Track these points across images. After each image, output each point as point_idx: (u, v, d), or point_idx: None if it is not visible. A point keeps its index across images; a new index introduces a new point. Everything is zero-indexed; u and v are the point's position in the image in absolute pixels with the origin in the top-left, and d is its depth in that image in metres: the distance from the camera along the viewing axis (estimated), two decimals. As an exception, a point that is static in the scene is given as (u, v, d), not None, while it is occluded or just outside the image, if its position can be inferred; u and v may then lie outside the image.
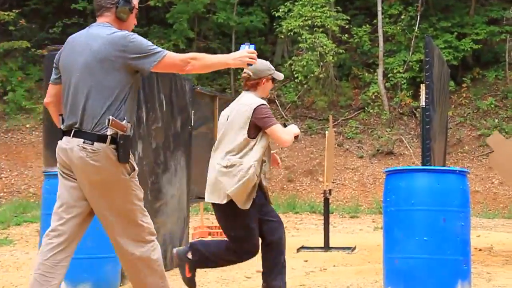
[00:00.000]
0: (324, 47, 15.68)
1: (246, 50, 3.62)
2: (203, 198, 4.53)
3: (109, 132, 3.31)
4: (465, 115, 16.33)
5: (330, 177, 8.20)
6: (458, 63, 16.60)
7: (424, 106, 6.26)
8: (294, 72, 16.11)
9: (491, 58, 17.63)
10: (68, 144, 3.38)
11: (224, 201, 4.17)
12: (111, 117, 3.31)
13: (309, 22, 15.90)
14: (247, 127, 4.20)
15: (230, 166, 4.17)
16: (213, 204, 4.29)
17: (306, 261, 6.87)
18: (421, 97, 6.36)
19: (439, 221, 4.59)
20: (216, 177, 4.23)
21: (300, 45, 16.14)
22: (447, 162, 10.67)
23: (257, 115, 4.20)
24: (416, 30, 16.81)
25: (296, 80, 16.41)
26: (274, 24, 17.22)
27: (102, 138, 3.32)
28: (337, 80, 17.27)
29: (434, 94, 6.44)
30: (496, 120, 15.81)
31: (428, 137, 6.24)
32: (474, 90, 16.80)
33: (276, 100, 17.08)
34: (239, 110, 4.27)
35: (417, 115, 16.07)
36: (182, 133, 6.55)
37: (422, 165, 6.33)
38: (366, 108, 16.86)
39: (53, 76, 3.60)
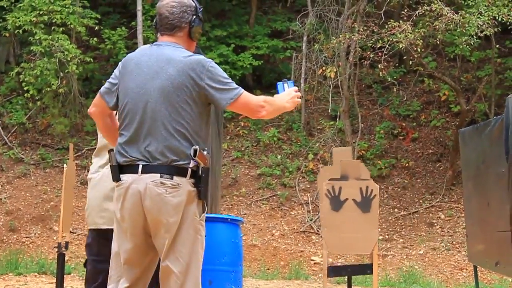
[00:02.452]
0: (66, 52, 15.52)
1: (292, 89, 4.05)
2: None
3: (191, 164, 3.70)
4: (242, 148, 16.97)
5: (68, 226, 8.10)
6: (236, 84, 17.32)
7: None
8: (24, 84, 15.75)
9: (274, 79, 18.66)
10: (138, 183, 3.69)
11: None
12: (198, 147, 3.70)
13: (46, 18, 15.66)
14: None
15: None
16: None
17: None
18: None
19: (204, 284, 4.54)
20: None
21: (32, 48, 15.79)
22: (220, 208, 11.03)
23: None
24: (185, 38, 17.28)
25: (26, 95, 16.03)
26: (-4, 17, 16.71)
27: (182, 171, 3.70)
28: (83, 98, 17.12)
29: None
30: (279, 157, 16.60)
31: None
32: (255, 119, 17.64)
33: (-4, 121, 16.53)
34: None
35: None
36: None
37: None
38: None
39: (106, 87, 3.94)
